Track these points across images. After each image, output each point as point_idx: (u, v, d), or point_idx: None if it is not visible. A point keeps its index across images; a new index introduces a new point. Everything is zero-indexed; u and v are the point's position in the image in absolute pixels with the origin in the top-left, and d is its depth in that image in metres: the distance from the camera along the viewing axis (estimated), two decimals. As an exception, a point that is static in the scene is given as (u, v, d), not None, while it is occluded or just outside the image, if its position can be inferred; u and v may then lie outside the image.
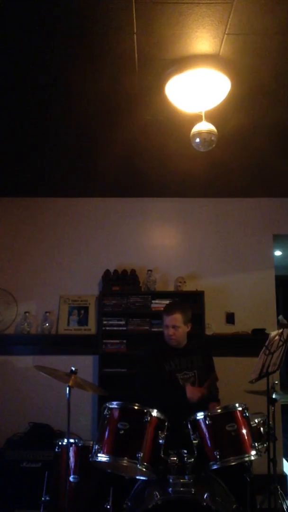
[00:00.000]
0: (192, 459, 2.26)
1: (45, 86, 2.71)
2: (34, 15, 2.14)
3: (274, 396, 3.03)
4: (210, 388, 2.84)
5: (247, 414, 2.44)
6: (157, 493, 2.19)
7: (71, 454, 2.50)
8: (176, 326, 2.91)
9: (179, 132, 3.17)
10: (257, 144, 3.45)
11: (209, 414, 2.40)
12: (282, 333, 2.78)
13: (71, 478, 2.44)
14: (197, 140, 2.74)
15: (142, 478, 2.43)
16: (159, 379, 2.82)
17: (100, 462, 2.31)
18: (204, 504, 2.11)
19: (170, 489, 2.21)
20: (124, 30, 2.23)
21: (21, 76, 2.62)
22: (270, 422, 2.76)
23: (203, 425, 2.39)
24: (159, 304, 4.24)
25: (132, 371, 4.11)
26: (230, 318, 4.48)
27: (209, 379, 2.85)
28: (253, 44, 2.33)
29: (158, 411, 2.35)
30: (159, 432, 2.31)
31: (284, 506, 3.12)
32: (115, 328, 4.28)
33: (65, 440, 2.48)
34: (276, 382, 3.16)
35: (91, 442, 2.48)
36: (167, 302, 3.92)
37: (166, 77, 2.59)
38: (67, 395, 2.39)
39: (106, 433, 2.34)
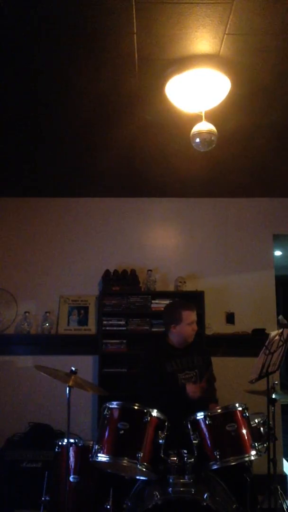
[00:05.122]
0: (192, 459, 2.26)
1: (45, 86, 2.71)
2: (34, 15, 2.14)
3: (274, 396, 3.02)
4: (209, 382, 2.83)
5: (247, 414, 2.45)
6: (157, 493, 2.19)
7: (71, 454, 2.50)
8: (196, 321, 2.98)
9: (179, 132, 3.17)
10: (257, 144, 3.45)
11: (209, 414, 2.40)
12: (282, 333, 2.78)
13: (71, 478, 2.44)
14: (197, 140, 2.73)
15: (142, 478, 2.43)
16: (160, 379, 2.82)
17: (100, 462, 2.32)
18: (204, 504, 2.11)
19: (170, 489, 2.22)
20: (124, 30, 2.23)
21: (21, 76, 2.62)
22: (270, 422, 2.76)
23: (203, 425, 2.39)
24: (159, 304, 4.24)
25: (132, 371, 4.11)
26: (230, 318, 4.48)
27: (206, 374, 2.85)
28: (253, 44, 2.33)
29: (158, 411, 2.35)
30: (159, 432, 2.32)
31: (284, 506, 3.12)
32: (115, 328, 4.28)
33: (65, 440, 2.48)
34: (276, 382, 3.16)
35: (91, 442, 2.48)
36: (167, 302, 3.92)
37: (166, 77, 2.59)
38: (67, 395, 2.39)
39: (106, 433, 2.34)
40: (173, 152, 3.59)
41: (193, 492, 2.19)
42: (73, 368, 2.49)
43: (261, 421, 2.77)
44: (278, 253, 6.20)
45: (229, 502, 2.34)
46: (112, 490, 2.42)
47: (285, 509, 3.10)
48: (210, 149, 2.79)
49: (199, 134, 2.72)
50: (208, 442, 2.36)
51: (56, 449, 2.59)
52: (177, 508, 2.17)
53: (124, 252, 4.59)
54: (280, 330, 2.79)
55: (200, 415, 2.41)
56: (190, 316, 2.94)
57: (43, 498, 2.46)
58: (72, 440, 2.50)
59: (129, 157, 3.70)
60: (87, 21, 2.17)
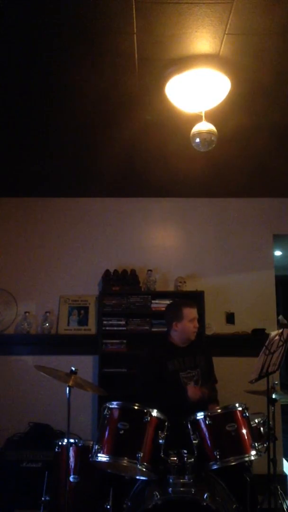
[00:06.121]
0: (192, 459, 2.26)
1: (45, 86, 2.71)
2: (34, 15, 2.14)
3: (274, 396, 3.03)
4: (210, 390, 2.84)
5: (247, 414, 2.44)
6: (157, 493, 2.19)
7: (71, 454, 2.50)
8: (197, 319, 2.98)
9: (179, 132, 3.17)
10: (257, 144, 3.45)
11: (209, 414, 2.40)
12: (282, 333, 2.78)
13: (71, 478, 2.44)
14: (197, 140, 2.74)
15: (142, 478, 2.43)
16: (161, 378, 2.82)
17: (100, 462, 2.32)
18: (204, 504, 2.11)
19: (170, 489, 2.21)
20: (124, 30, 2.23)
21: (21, 76, 2.62)
22: (270, 422, 2.76)
23: (203, 425, 2.39)
24: (159, 304, 4.25)
25: (132, 371, 4.11)
26: (230, 318, 4.48)
27: (210, 382, 2.86)
28: (253, 44, 2.33)
29: (158, 411, 2.35)
30: (159, 432, 2.31)
31: (284, 506, 3.12)
32: (115, 328, 4.28)
33: (65, 440, 2.48)
34: (276, 382, 3.16)
35: (91, 442, 2.48)
36: (167, 302, 3.93)
37: (166, 77, 2.59)
38: (67, 395, 2.39)
39: (106, 433, 2.34)
40: (173, 152, 3.59)
41: (193, 492, 2.19)
42: (73, 368, 2.49)
43: (261, 421, 2.77)
44: (278, 253, 6.20)
45: (229, 502, 2.33)
46: (112, 490, 2.42)
47: (285, 509, 3.11)
48: (210, 149, 2.79)
49: (199, 134, 2.72)
50: (208, 442, 2.36)
51: (56, 449, 2.59)
52: (177, 508, 2.17)
53: (124, 252, 4.59)
54: (280, 330, 2.79)
55: (200, 415, 2.41)
56: (191, 312, 2.95)
57: (43, 498, 2.46)
58: (72, 440, 2.51)
59: (129, 157, 3.70)
60: (87, 21, 2.18)
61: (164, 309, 3.54)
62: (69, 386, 2.40)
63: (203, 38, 2.29)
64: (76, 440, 2.57)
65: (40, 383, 4.22)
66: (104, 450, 2.28)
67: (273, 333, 2.75)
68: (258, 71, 2.55)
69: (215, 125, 2.74)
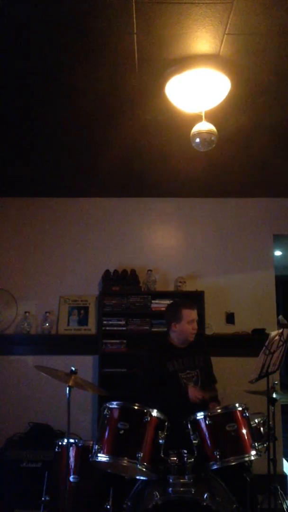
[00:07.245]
0: (192, 459, 2.26)
1: (45, 85, 2.71)
2: (34, 14, 2.14)
3: (274, 396, 3.03)
4: (212, 397, 2.84)
5: (247, 414, 2.44)
6: (157, 493, 2.19)
7: (71, 454, 2.50)
8: (197, 320, 2.97)
9: (179, 132, 3.17)
10: (257, 144, 3.45)
11: (209, 414, 2.40)
12: (282, 333, 2.78)
13: (71, 478, 2.44)
14: (197, 140, 2.73)
15: (142, 478, 2.43)
16: (162, 378, 2.82)
17: (100, 462, 2.32)
18: (204, 504, 2.11)
19: (170, 489, 2.21)
20: (124, 30, 2.23)
21: (21, 76, 2.62)
22: (270, 422, 2.76)
23: (203, 425, 2.39)
24: (159, 304, 4.25)
25: (132, 371, 4.11)
26: (230, 318, 4.48)
27: (212, 390, 2.85)
28: (253, 44, 2.33)
29: (158, 411, 2.35)
30: (159, 432, 2.31)
31: (284, 506, 3.12)
32: (115, 328, 4.28)
33: (65, 440, 2.48)
34: (276, 382, 3.16)
35: (91, 442, 2.48)
36: (167, 302, 3.93)
37: (166, 77, 2.59)
38: (67, 395, 2.39)
39: (106, 433, 2.34)
40: (173, 152, 3.59)
41: (193, 492, 2.19)
42: (73, 368, 2.49)
43: (261, 421, 2.77)
44: (278, 253, 6.20)
45: (229, 502, 2.33)
46: (112, 490, 2.42)
47: (285, 509, 3.11)
48: (210, 149, 2.79)
49: (199, 134, 2.72)
50: (208, 442, 2.36)
51: (56, 449, 2.58)
52: (177, 508, 2.17)
53: (124, 252, 4.59)
54: (280, 330, 2.79)
55: (200, 415, 2.41)
56: (190, 314, 2.95)
57: (43, 498, 2.45)
58: (72, 440, 2.50)
59: (129, 157, 3.70)
60: (87, 21, 2.18)
61: (164, 309, 3.54)
62: (69, 386, 2.40)
63: (203, 38, 2.29)
64: (76, 440, 2.57)
65: (40, 383, 4.22)
66: (104, 450, 2.28)
67: (273, 333, 2.74)
68: (258, 71, 2.56)
69: (215, 125, 2.74)
